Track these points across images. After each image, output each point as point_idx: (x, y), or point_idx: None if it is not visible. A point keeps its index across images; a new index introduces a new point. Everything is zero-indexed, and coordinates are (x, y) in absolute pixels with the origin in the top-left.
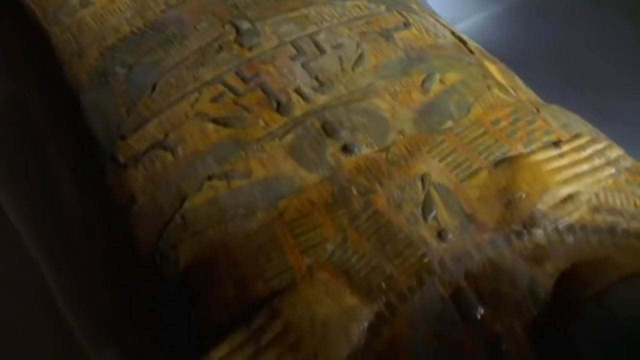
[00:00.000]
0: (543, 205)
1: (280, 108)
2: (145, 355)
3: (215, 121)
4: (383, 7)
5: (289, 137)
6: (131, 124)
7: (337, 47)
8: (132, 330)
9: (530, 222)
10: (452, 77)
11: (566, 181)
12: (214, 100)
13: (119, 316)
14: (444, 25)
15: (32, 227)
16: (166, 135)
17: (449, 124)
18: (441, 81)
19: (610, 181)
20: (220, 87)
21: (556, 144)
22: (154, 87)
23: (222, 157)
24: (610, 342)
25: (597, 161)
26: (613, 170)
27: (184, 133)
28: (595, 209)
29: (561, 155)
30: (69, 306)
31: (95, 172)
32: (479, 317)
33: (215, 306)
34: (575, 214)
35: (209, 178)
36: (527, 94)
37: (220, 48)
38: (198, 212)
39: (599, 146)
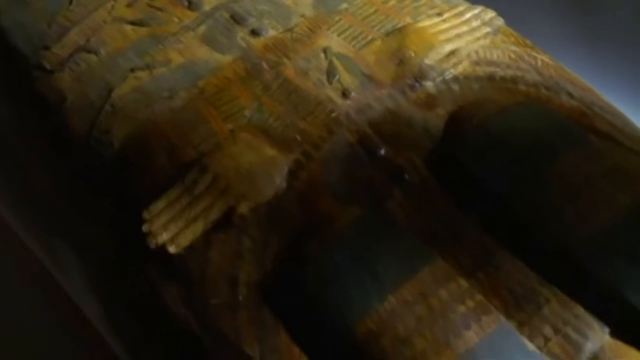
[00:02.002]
0: (430, 60)
1: (191, 5)
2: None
3: (132, 23)
4: None
5: (201, 28)
6: (53, 35)
7: None
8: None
9: (420, 76)
10: None
11: (448, 40)
12: (129, 5)
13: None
14: None
15: None
16: (88, 40)
17: (344, 5)
18: None
19: (487, 40)
20: None
21: (439, 14)
22: (71, 0)
23: (142, 51)
24: (493, 160)
25: (475, 23)
26: (489, 29)
27: (104, 36)
28: (476, 63)
29: (444, 21)
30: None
31: (23, 82)
32: (383, 154)
33: (150, 174)
34: (458, 67)
35: (132, 70)
36: None
37: None
38: (125, 99)
39: (476, 10)
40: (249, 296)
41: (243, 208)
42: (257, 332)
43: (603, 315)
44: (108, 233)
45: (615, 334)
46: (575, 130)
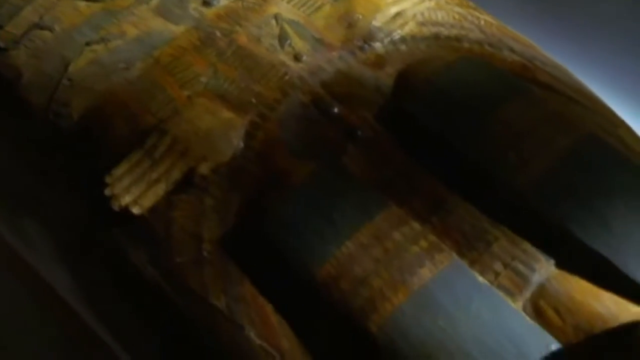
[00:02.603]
0: (377, 22)
1: None
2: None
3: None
4: None
5: (154, 1)
6: (5, 14)
7: None
8: None
9: (369, 38)
10: None
11: (395, 2)
12: None
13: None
14: None
15: None
16: (41, 17)
17: None
18: None
19: (432, 2)
20: None
21: None
22: None
23: (97, 26)
24: (441, 111)
25: None
26: None
27: (57, 13)
28: (422, 24)
29: None
30: None
31: None
32: (336, 112)
33: (111, 142)
34: (405, 28)
35: (88, 44)
36: None
37: None
38: (82, 72)
39: None
40: (213, 252)
41: (203, 168)
42: (223, 285)
43: (548, 249)
44: (74, 204)
45: (560, 264)
46: (517, 82)
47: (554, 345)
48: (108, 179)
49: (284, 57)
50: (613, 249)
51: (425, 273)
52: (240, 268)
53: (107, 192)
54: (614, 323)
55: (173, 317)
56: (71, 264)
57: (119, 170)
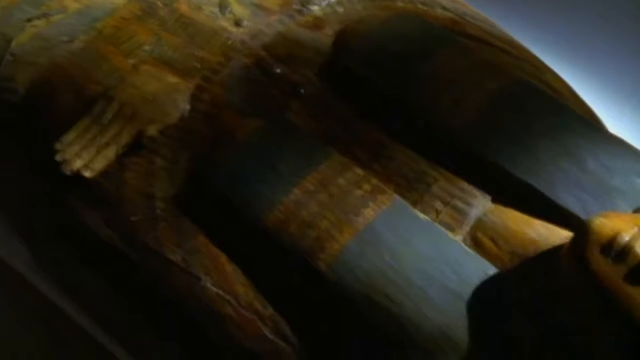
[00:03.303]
0: None
1: None
2: None
3: None
4: None
5: None
6: None
7: None
8: None
9: (306, 1)
10: None
11: None
12: None
13: None
14: None
15: None
16: None
17: None
18: None
19: None
20: None
21: None
22: None
23: (37, 2)
24: (378, 64)
25: None
26: None
27: None
28: None
29: None
30: None
31: None
32: (278, 72)
33: (58, 113)
34: None
35: (29, 20)
36: None
37: None
38: (25, 47)
39: None
40: (165, 209)
41: (151, 131)
42: (177, 239)
43: (484, 185)
44: (26, 177)
45: (496, 199)
46: (448, 34)
47: (491, 270)
48: (58, 146)
49: (225, 23)
50: (543, 180)
51: (369, 213)
52: (193, 222)
53: (58, 157)
54: (545, 246)
55: (130, 275)
56: (31, 238)
57: (68, 137)
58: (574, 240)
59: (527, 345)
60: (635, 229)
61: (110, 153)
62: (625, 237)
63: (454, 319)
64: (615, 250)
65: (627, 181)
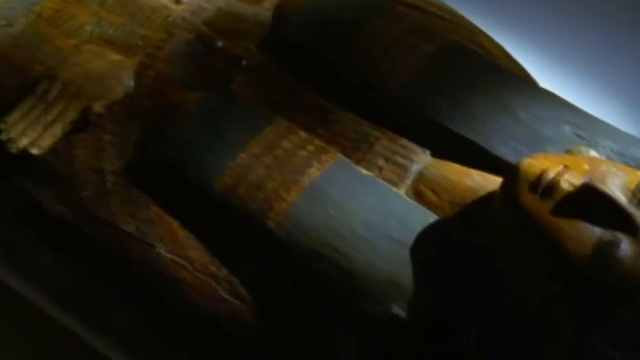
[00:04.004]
0: None
1: None
2: None
3: None
4: None
5: None
6: None
7: None
8: None
9: None
10: None
11: None
12: None
13: None
14: None
15: None
16: None
17: None
18: None
19: None
20: None
21: None
22: None
23: None
24: (316, 33)
25: None
26: None
27: None
28: None
29: None
30: None
31: None
32: (220, 46)
33: (1, 95)
34: None
35: None
36: None
37: None
38: None
39: None
40: (116, 182)
41: (97, 107)
42: (130, 210)
43: (424, 141)
44: None
45: (435, 153)
46: (384, 1)
47: (432, 218)
48: (2, 126)
49: (165, 1)
50: (478, 132)
51: (314, 172)
52: (145, 193)
53: (3, 136)
54: (482, 193)
55: (86, 248)
56: None
57: (12, 117)
58: (505, 181)
59: (468, 283)
60: (561, 167)
61: (57, 130)
62: (551, 174)
63: (400, 265)
64: (542, 186)
65: (557, 129)
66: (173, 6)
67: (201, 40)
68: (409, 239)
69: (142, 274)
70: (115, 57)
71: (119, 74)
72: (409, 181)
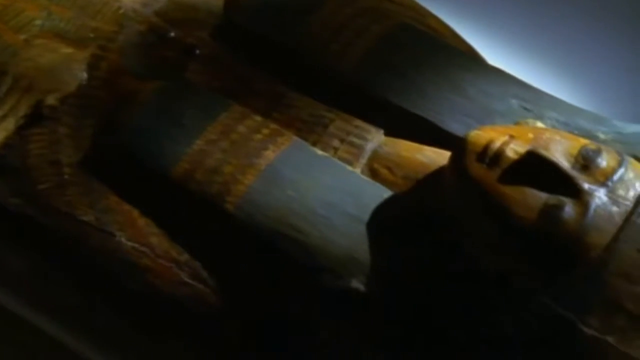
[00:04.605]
0: None
1: None
2: None
3: None
4: None
5: None
6: None
7: None
8: None
9: None
10: None
11: None
12: None
13: None
14: None
15: None
16: None
17: None
18: None
19: None
20: None
21: None
22: None
23: None
24: (268, 19)
25: None
26: None
27: None
28: None
29: None
30: None
31: None
32: (173, 36)
33: None
34: None
35: None
36: None
37: None
38: None
39: None
40: (73, 173)
41: (50, 100)
42: (89, 201)
43: (377, 121)
44: None
45: (388, 132)
46: None
47: (387, 194)
48: None
49: None
50: (430, 109)
51: (270, 154)
52: (103, 183)
53: None
54: (435, 168)
55: (45, 240)
56: None
57: None
58: (454, 154)
59: (424, 255)
60: (506, 137)
61: (9, 125)
62: (497, 144)
63: (356, 241)
64: (489, 156)
65: (505, 103)
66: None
67: (153, 31)
68: (365, 215)
69: (103, 263)
70: (67, 50)
71: (72, 66)
72: (364, 160)
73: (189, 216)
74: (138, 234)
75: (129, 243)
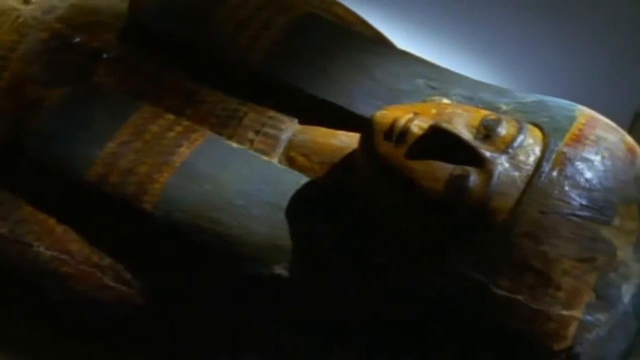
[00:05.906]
0: None
1: None
2: None
3: None
4: None
5: None
6: None
7: None
8: None
9: None
10: None
11: None
12: None
13: None
14: None
15: None
16: None
17: None
18: None
19: None
20: None
21: None
22: None
23: None
24: (172, 16)
25: None
26: None
27: None
28: None
29: None
30: None
31: None
32: (78, 41)
33: None
34: None
35: None
36: None
37: None
38: None
39: None
40: None
41: None
42: (1, 213)
43: (290, 110)
44: None
45: (303, 120)
46: None
47: (304, 180)
48: None
49: (13, 2)
50: (340, 95)
51: (184, 151)
52: (16, 194)
53: None
54: (349, 151)
55: None
56: None
57: None
58: (363, 134)
59: (343, 235)
60: (411, 114)
61: None
62: (402, 121)
63: (277, 228)
64: (395, 134)
65: (411, 83)
66: (22, 7)
67: (57, 38)
68: (284, 202)
69: (23, 273)
70: None
71: None
72: (280, 150)
73: (108, 219)
74: (57, 242)
75: (48, 252)
